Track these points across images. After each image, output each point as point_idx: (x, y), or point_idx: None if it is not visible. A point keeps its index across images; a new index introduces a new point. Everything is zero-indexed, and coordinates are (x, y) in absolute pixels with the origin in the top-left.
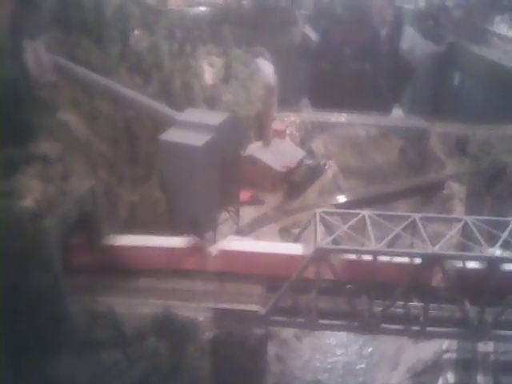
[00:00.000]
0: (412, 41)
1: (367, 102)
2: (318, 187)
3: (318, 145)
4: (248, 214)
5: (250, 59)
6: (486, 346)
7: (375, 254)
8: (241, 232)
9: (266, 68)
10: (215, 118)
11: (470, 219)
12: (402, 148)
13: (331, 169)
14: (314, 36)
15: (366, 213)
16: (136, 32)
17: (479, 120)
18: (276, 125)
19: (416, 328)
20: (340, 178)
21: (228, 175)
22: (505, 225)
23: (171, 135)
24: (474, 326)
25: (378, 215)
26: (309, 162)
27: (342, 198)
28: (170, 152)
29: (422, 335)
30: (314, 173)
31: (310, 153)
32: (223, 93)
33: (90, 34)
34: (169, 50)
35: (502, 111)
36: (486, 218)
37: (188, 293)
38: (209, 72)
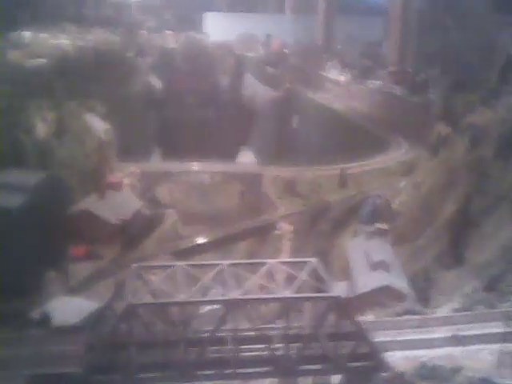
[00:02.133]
0: (253, 87)
1: (212, 148)
2: (156, 236)
3: (162, 193)
4: (85, 269)
5: (83, 113)
6: None
7: (183, 304)
8: (73, 290)
9: (97, 123)
10: (31, 179)
11: (272, 262)
12: (241, 192)
13: (170, 217)
14: (158, 85)
15: (178, 264)
16: None
17: (312, 161)
18: (112, 177)
19: (229, 371)
20: (179, 225)
21: (52, 234)
22: (305, 265)
23: None
24: (280, 363)
25: (191, 265)
26: (146, 212)
27: (181, 245)
28: None
29: (235, 377)
30: (152, 222)
31: (154, 201)
32: (56, 147)
33: None
34: None
35: (331, 152)
36: (288, 260)
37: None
38: (41, 127)
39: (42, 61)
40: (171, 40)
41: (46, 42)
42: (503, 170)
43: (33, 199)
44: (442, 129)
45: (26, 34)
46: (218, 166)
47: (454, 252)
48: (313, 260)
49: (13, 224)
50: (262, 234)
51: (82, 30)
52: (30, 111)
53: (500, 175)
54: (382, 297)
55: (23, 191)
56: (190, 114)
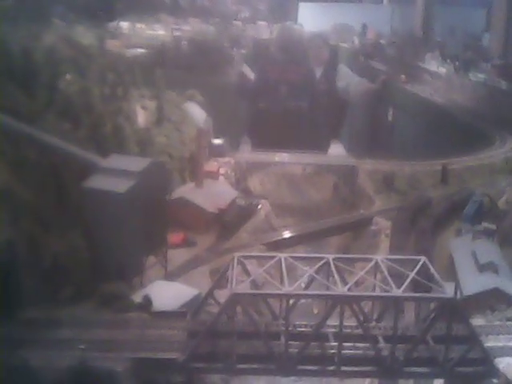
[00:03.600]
0: (347, 79)
1: (304, 139)
2: (250, 227)
3: (254, 184)
4: (180, 256)
5: (183, 102)
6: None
7: (288, 297)
8: (170, 275)
9: (197, 112)
10: (138, 164)
11: (380, 258)
12: (334, 185)
13: (264, 208)
14: (251, 75)
15: (281, 255)
16: (67, 76)
17: (410, 155)
18: (209, 166)
19: (331, 368)
20: (272, 216)
21: (154, 219)
22: (414, 263)
23: (94, 182)
24: (386, 363)
25: (294, 257)
26: (241, 202)
27: (274, 237)
28: (93, 199)
29: (337, 375)
30: (247, 213)
31: (247, 192)
32: (156, 135)
33: (18, 82)
34: (100, 93)
35: (431, 146)
36: (396, 256)
37: (107, 343)
38: (141, 115)
39: (141, 50)
40: (265, 30)
41: (142, 33)
42: None
43: (139, 184)
44: None
45: (124, 25)
46: (310, 158)
47: None
48: (422, 258)
49: (120, 208)
50: (357, 228)
51: (177, 21)
52: (132, 99)
53: None
54: (490, 300)
55: (129, 176)
56: (282, 104)
